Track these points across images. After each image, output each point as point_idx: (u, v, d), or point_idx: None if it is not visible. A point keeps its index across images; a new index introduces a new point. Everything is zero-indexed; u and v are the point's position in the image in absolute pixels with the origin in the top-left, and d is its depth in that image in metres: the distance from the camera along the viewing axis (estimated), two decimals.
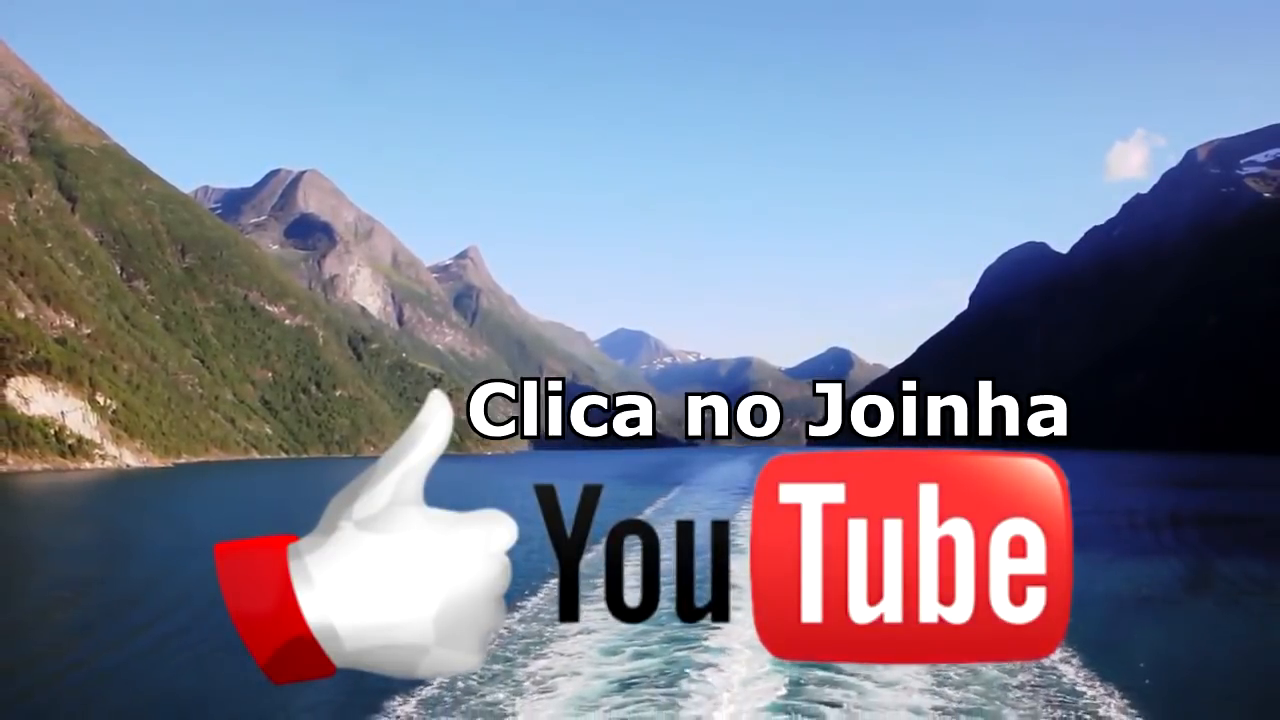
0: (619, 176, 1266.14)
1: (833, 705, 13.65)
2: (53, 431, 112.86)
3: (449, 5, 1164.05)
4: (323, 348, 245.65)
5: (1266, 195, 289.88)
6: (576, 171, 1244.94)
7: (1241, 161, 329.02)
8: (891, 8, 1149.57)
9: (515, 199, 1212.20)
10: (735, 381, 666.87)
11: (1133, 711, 13.16)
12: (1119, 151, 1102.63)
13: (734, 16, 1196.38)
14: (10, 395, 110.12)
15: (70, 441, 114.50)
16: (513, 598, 21.85)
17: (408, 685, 14.69)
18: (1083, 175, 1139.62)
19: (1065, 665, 15.29)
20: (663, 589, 15.66)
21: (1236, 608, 23.44)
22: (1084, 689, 14.21)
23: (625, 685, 14.97)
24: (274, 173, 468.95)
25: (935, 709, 13.04)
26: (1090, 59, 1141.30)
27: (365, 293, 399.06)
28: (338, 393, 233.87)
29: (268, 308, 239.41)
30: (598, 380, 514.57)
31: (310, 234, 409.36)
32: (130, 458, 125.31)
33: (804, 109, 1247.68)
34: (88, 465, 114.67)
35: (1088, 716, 13.06)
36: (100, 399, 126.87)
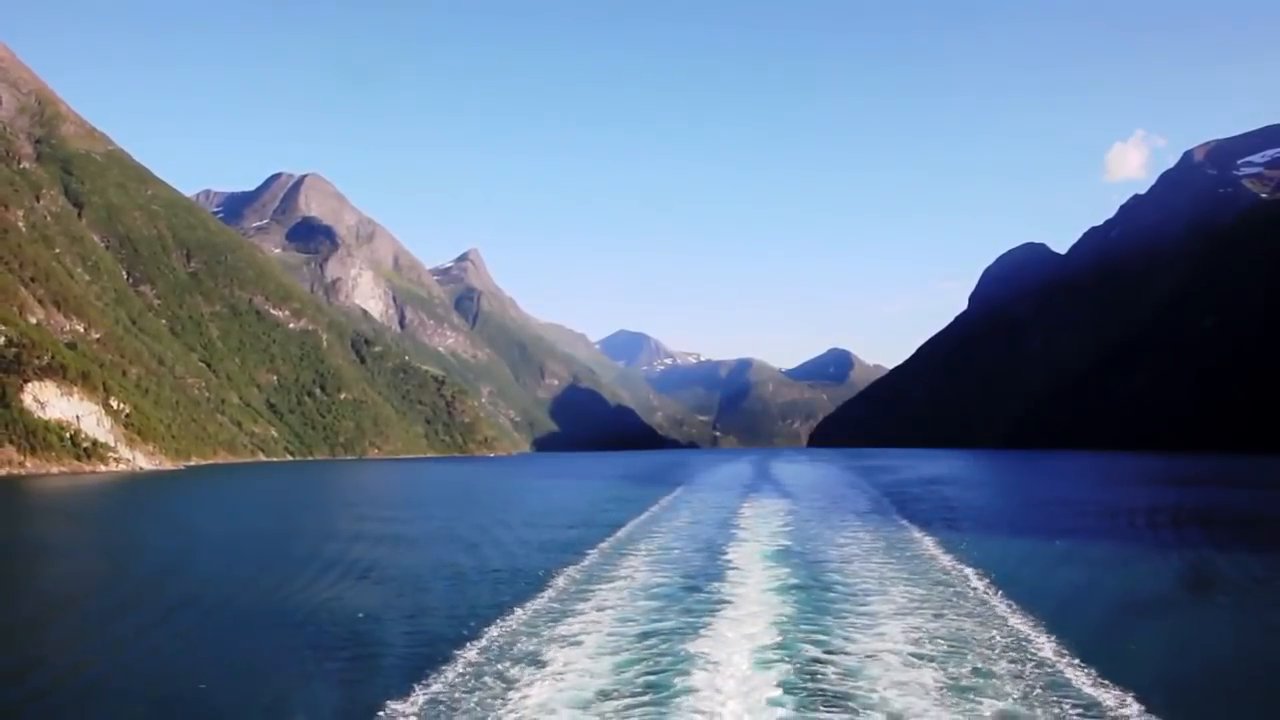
0: (619, 179, 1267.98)
1: (835, 690, 14.45)
2: (69, 435, 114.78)
3: (449, 8, 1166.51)
4: (326, 351, 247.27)
5: (1263, 195, 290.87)
6: (576, 174, 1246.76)
7: (1238, 162, 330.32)
8: (891, 8, 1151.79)
9: (515, 201, 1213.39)
10: (735, 383, 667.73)
11: (1135, 706, 13.62)
12: (1118, 152, 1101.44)
13: (733, 18, 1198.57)
14: (27, 400, 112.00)
15: (85, 445, 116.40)
16: (527, 585, 23.39)
17: (418, 673, 15.59)
18: (1082, 176, 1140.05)
19: (1068, 661, 15.89)
20: (670, 574, 18.68)
21: (1235, 605, 23.68)
22: (1087, 685, 14.59)
23: (630, 663, 16.09)
24: (275, 176, 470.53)
25: (936, 705, 13.52)
26: (1090, 59, 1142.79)
27: (367, 296, 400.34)
28: (342, 395, 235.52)
29: (272, 311, 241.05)
30: (598, 382, 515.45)
31: (312, 237, 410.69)
32: (143, 460, 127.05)
33: (803, 109, 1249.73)
34: (103, 468, 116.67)
35: (1091, 712, 13.45)
36: (114, 403, 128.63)
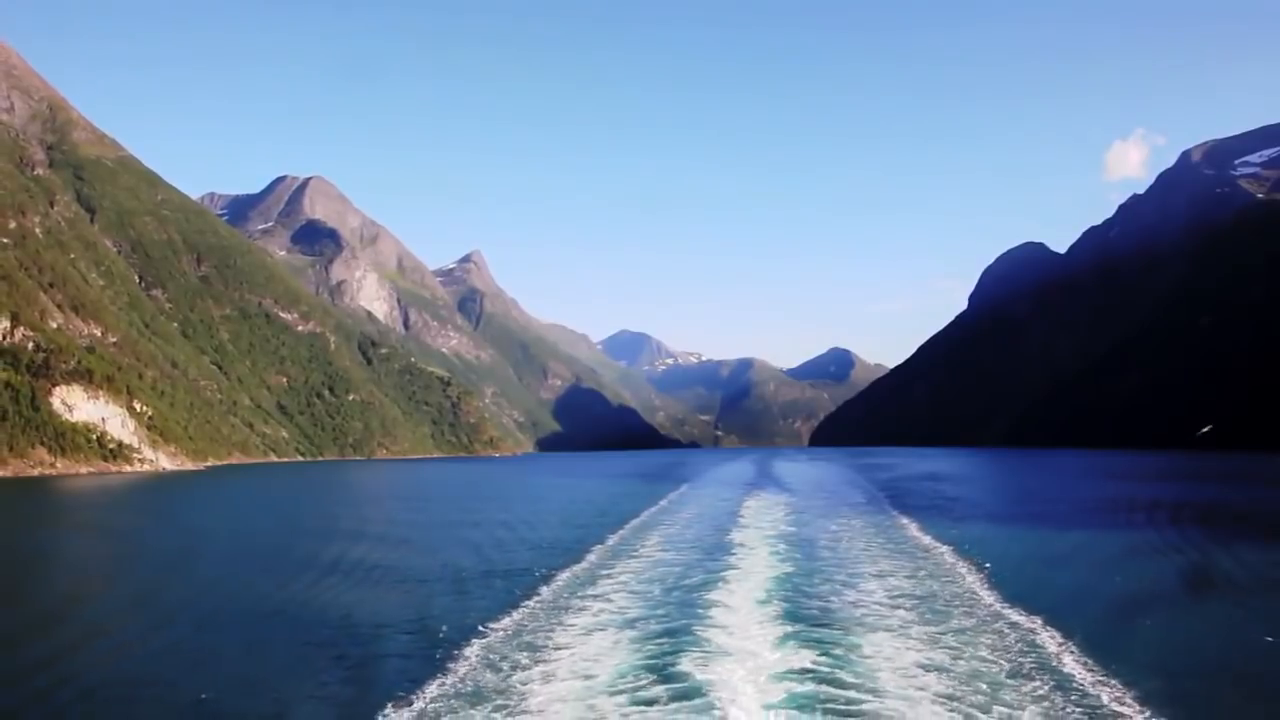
0: (620, 180, 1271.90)
1: (838, 678, 14.99)
2: (95, 437, 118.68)
3: (451, 10, 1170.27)
4: (334, 353, 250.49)
5: (1260, 195, 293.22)
6: (578, 175, 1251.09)
7: (1235, 162, 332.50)
8: (891, 8, 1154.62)
9: (517, 203, 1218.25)
10: (736, 382, 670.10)
11: (1136, 702, 13.95)
12: (1118, 150, 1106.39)
13: (733, 18, 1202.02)
14: (56, 403, 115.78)
15: (111, 446, 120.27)
16: (555, 567, 25.52)
17: (421, 672, 16.13)
18: (1081, 175, 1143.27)
19: (1069, 657, 16.37)
20: (675, 564, 23.26)
21: (1231, 601, 24.06)
22: (1087, 681, 14.92)
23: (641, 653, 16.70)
24: (280, 179, 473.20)
25: (940, 702, 13.91)
26: (1090, 59, 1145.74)
27: (371, 297, 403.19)
28: (350, 397, 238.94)
29: (281, 314, 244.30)
30: (600, 382, 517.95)
31: (317, 240, 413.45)
32: (165, 461, 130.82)
33: (803, 110, 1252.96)
34: (128, 469, 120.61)
35: (1091, 709, 13.78)
36: (137, 405, 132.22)
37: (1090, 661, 16.12)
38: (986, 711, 13.43)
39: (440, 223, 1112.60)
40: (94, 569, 33.75)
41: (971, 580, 22.72)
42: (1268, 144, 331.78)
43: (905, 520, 38.68)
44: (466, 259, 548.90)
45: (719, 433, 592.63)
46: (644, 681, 14.82)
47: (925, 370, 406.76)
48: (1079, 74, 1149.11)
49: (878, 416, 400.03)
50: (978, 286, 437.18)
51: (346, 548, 35.05)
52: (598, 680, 15.08)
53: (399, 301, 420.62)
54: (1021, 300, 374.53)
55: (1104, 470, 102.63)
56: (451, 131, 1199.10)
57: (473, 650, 17.40)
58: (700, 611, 19.46)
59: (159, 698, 15.96)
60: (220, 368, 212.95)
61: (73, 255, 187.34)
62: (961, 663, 15.86)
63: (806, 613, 19.44)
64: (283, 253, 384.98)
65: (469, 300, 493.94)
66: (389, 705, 14.46)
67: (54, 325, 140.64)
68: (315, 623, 21.38)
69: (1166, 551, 32.12)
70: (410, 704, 14.50)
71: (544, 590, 23.04)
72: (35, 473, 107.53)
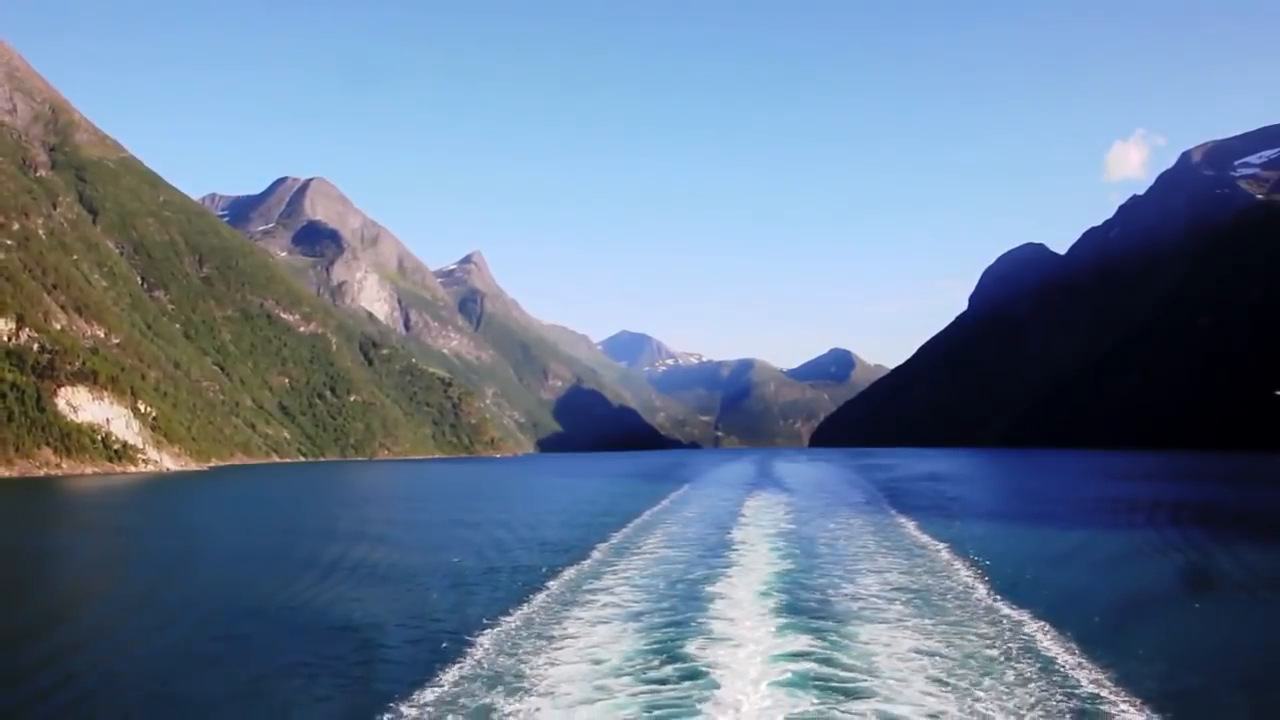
0: (620, 180, 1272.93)
1: (839, 670, 15.17)
2: (99, 437, 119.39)
3: (451, 11, 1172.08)
4: (335, 354, 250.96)
5: (1259, 196, 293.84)
6: (578, 175, 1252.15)
7: (1235, 163, 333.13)
8: (890, 8, 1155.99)
9: (517, 203, 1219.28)
10: (737, 383, 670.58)
11: (1130, 694, 14.10)
12: (1118, 151, 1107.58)
13: (732, 19, 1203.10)
14: (61, 404, 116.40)
15: (116, 446, 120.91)
16: (543, 573, 26.42)
17: (434, 660, 16.40)
18: (1082, 175, 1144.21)
19: (1062, 649, 16.53)
20: (678, 561, 24.18)
21: (1231, 600, 24.02)
22: (1086, 680, 14.90)
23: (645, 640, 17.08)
24: (281, 180, 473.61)
25: (933, 683, 14.23)
26: (1090, 59, 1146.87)
27: (372, 298, 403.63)
28: (351, 398, 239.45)
29: (283, 315, 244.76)
30: (601, 383, 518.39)
31: (318, 241, 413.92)
32: (169, 461, 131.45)
33: (803, 110, 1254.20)
34: (133, 469, 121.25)
35: (1075, 694, 14.01)
36: (141, 406, 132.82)
37: (1077, 649, 16.68)
38: (979, 691, 14.05)
39: (440, 223, 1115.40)
40: (98, 568, 34.13)
41: (968, 577, 23.36)
42: (1268, 145, 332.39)
43: (904, 519, 39.23)
44: (467, 259, 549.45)
45: (719, 433, 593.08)
46: (652, 664, 15.63)
47: (925, 371, 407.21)
48: (1079, 74, 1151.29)
49: (878, 417, 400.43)
50: (978, 287, 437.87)
51: (350, 546, 35.60)
52: (607, 664, 15.86)
53: (400, 302, 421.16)
54: (1021, 301, 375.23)
55: (1104, 470, 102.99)
56: (451, 131, 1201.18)
57: (484, 640, 18.08)
58: (703, 603, 20.21)
59: (163, 697, 15.92)
60: (222, 368, 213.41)
61: (75, 256, 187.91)
62: (954, 651, 16.46)
63: (806, 605, 20.14)
64: (284, 254, 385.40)
65: (470, 301, 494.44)
66: (408, 690, 14.87)
67: (58, 327, 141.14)
68: (322, 618, 21.57)
69: (1166, 551, 32.51)
70: (427, 688, 14.91)
71: (551, 585, 23.77)
72: (41, 473, 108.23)
